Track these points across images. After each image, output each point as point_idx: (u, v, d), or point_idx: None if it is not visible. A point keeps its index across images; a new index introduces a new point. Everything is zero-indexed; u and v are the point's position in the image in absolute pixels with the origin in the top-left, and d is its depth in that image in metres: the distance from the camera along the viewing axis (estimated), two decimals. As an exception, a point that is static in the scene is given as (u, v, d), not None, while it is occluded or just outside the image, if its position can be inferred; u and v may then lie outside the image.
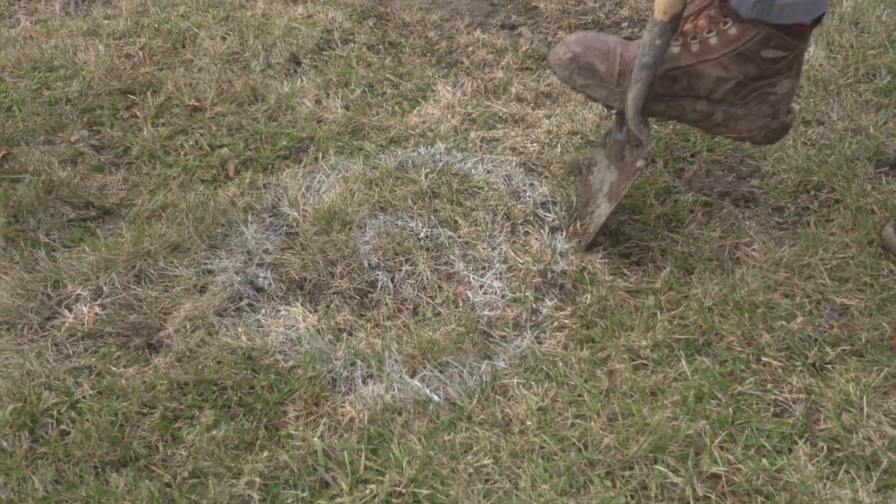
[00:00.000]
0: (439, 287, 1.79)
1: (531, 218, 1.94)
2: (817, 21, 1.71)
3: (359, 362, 1.62)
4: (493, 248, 1.87)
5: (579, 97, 2.35)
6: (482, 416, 1.52)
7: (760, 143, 1.87)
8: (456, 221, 1.93)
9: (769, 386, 1.56)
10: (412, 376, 1.60)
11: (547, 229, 1.91)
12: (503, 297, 1.77)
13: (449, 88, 2.41)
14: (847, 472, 1.41)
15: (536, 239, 1.88)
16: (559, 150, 2.14)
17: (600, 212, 1.84)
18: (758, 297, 1.71)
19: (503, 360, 1.64)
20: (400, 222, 1.93)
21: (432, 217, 1.94)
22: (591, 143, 2.16)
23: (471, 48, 2.63)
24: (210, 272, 1.83)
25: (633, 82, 1.73)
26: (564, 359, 1.62)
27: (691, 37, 1.78)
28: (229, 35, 2.72)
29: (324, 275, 1.80)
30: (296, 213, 1.96)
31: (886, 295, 1.72)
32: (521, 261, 1.83)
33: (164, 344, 1.67)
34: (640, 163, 1.76)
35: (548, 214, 1.95)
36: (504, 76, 2.48)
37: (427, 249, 1.87)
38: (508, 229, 1.92)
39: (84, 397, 1.56)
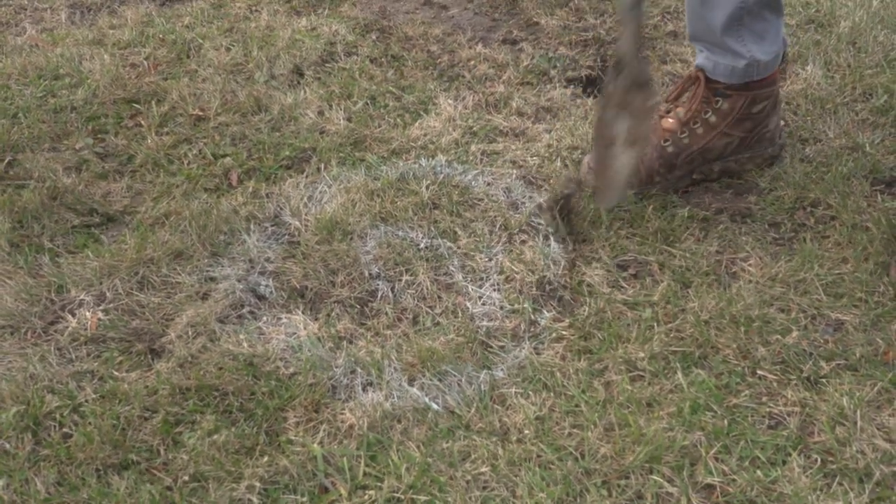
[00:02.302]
0: (439, 297, 1.81)
1: (526, 227, 1.96)
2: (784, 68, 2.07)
3: (359, 370, 1.64)
4: (491, 259, 1.89)
5: (579, 112, 2.38)
6: (480, 425, 1.54)
7: (766, 167, 2.15)
8: (456, 233, 1.95)
9: (764, 399, 1.57)
10: (411, 384, 1.62)
11: (541, 238, 1.92)
12: (502, 307, 1.79)
13: (450, 102, 2.43)
14: (840, 484, 1.42)
15: (531, 248, 1.89)
16: (559, 163, 2.16)
17: (622, 161, 1.86)
18: (754, 311, 1.73)
19: (501, 369, 1.65)
20: (400, 233, 1.95)
21: (432, 228, 1.96)
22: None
23: (472, 62, 2.66)
24: (212, 279, 1.84)
25: (626, 22, 1.78)
26: (562, 369, 1.64)
27: (693, 122, 2.07)
28: (233, 46, 2.74)
29: (325, 284, 1.82)
30: (298, 223, 1.98)
31: (881, 311, 1.73)
32: (517, 270, 1.84)
33: (167, 349, 1.69)
34: (655, 99, 1.86)
35: (542, 223, 1.97)
36: (505, 90, 2.50)
37: (427, 260, 1.89)
38: (506, 240, 1.93)
39: (86, 401, 1.58)
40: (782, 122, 2.17)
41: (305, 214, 2.00)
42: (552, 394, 1.59)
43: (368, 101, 2.47)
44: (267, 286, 1.83)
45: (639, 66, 1.81)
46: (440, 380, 1.62)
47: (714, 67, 2.02)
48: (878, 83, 2.46)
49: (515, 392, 1.60)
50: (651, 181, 2.07)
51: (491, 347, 1.70)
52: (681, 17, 2.95)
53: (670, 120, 2.10)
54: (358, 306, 1.79)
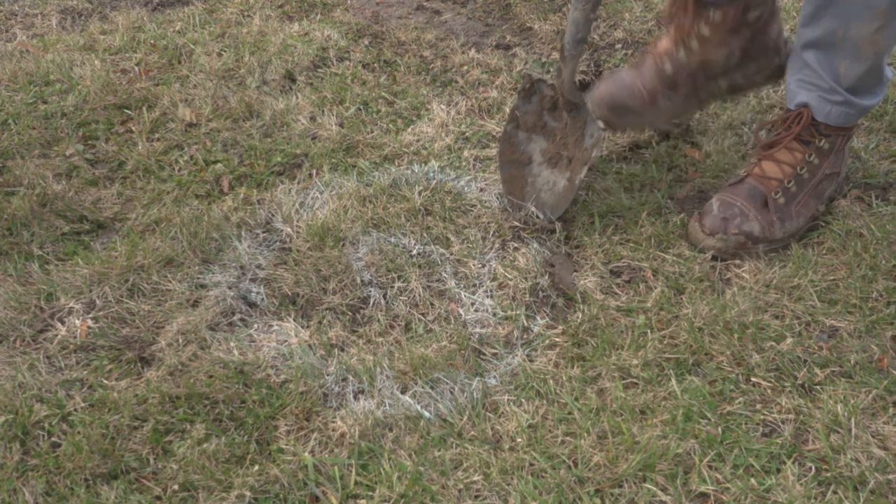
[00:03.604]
0: (431, 304, 1.80)
1: (520, 234, 1.95)
2: None
3: (350, 378, 1.63)
4: (484, 266, 1.88)
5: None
6: (473, 433, 1.53)
7: (777, 81, 2.08)
8: (448, 239, 1.94)
9: (758, 406, 1.57)
10: (403, 392, 1.61)
11: (535, 244, 1.92)
12: (494, 314, 1.78)
13: (443, 107, 2.43)
14: (835, 492, 1.41)
15: (524, 254, 1.88)
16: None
17: (544, 178, 1.92)
18: (748, 317, 1.72)
19: (494, 377, 1.64)
20: (393, 239, 1.94)
21: (425, 234, 1.95)
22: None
23: (465, 67, 2.65)
24: (203, 287, 1.83)
25: (568, 58, 1.85)
26: (555, 377, 1.63)
27: (687, 38, 1.96)
28: (225, 51, 2.74)
29: (316, 290, 1.81)
30: (289, 229, 1.97)
31: (875, 317, 1.73)
32: (510, 276, 1.83)
33: (157, 357, 1.68)
34: (599, 124, 1.92)
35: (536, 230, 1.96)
36: (498, 96, 2.50)
37: (419, 266, 1.88)
38: (499, 246, 1.93)
39: (76, 410, 1.57)
40: (785, 32, 2.07)
41: (297, 221, 1.99)
42: (545, 401, 1.58)
43: (361, 107, 2.46)
44: (258, 293, 1.82)
45: (575, 94, 1.91)
46: (432, 387, 1.61)
47: None
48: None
49: (508, 399, 1.59)
50: (654, 103, 2.01)
51: (484, 354, 1.69)
52: (674, 22, 2.94)
53: (664, 41, 2.03)
54: (350, 313, 1.78)
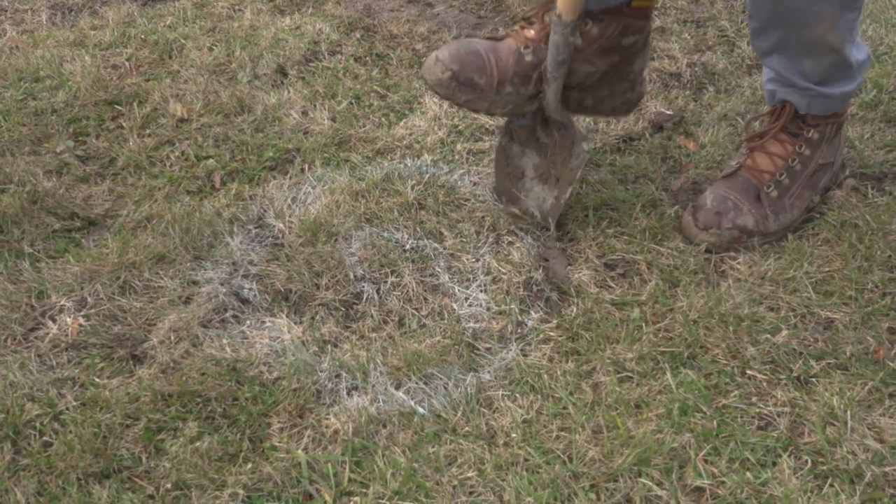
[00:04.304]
0: (425, 299, 1.79)
1: (515, 228, 1.94)
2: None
3: (344, 374, 1.62)
4: (478, 260, 1.87)
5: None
6: (467, 429, 1.52)
7: (621, 115, 2.11)
8: (442, 233, 1.93)
9: (754, 399, 1.56)
10: (397, 388, 1.60)
11: (530, 238, 1.91)
12: (488, 309, 1.77)
13: (436, 100, 2.41)
14: (831, 485, 1.41)
15: (519, 249, 1.88)
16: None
17: (536, 192, 1.93)
18: (743, 310, 1.71)
19: (488, 372, 1.64)
20: (386, 234, 1.93)
21: (418, 229, 1.94)
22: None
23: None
24: (195, 283, 1.82)
25: (551, 80, 1.85)
26: (550, 371, 1.62)
27: None
28: (216, 46, 2.72)
29: (309, 286, 1.80)
30: (281, 225, 1.96)
31: (871, 309, 1.72)
32: (503, 270, 1.83)
33: (149, 355, 1.67)
34: (583, 146, 1.90)
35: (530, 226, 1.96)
36: (491, 88, 2.48)
37: (412, 261, 1.87)
38: (493, 240, 1.92)
39: (67, 409, 1.55)
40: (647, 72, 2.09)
41: (289, 216, 1.98)
42: (539, 396, 1.57)
43: (353, 101, 2.45)
44: (250, 289, 1.81)
45: (561, 114, 1.90)
46: (426, 383, 1.60)
47: None
48: (867, 78, 2.45)
49: (502, 395, 1.58)
50: (501, 88, 1.89)
51: (477, 349, 1.69)
52: (668, 12, 2.94)
53: (532, 30, 1.94)
54: (343, 309, 1.77)
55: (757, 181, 1.94)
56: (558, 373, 1.61)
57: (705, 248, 1.88)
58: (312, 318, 1.74)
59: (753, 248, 1.89)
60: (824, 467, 1.43)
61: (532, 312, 1.76)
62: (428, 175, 2.09)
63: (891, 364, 1.61)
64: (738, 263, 1.84)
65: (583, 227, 1.95)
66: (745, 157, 1.99)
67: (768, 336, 1.67)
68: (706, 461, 1.45)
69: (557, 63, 1.84)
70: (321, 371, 1.62)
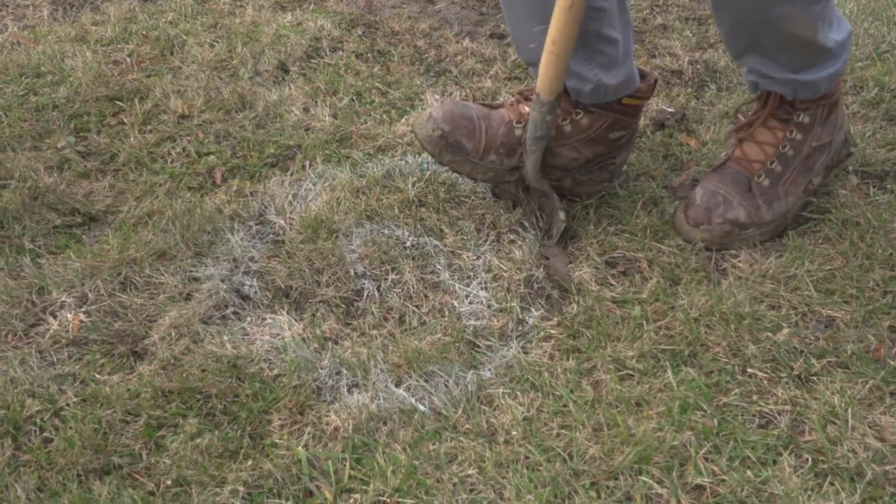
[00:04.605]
0: (425, 296, 1.79)
1: (517, 227, 1.94)
2: (646, 99, 2.02)
3: (344, 371, 1.62)
4: (478, 257, 1.87)
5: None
6: (467, 426, 1.52)
7: (594, 197, 2.06)
8: (442, 230, 1.93)
9: (754, 397, 1.56)
10: (398, 385, 1.60)
11: (531, 236, 1.91)
12: (489, 306, 1.77)
13: (437, 97, 2.41)
14: (832, 484, 1.40)
15: (520, 247, 1.87)
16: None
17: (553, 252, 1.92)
18: (744, 308, 1.71)
19: (489, 369, 1.64)
20: (386, 231, 1.93)
21: (419, 226, 1.94)
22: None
23: (459, 57, 2.64)
24: (196, 280, 1.82)
25: (529, 153, 1.91)
26: (550, 369, 1.62)
27: None
28: (217, 42, 2.72)
29: (310, 283, 1.80)
30: (282, 221, 1.96)
31: (872, 307, 1.72)
32: (504, 268, 1.83)
33: (149, 352, 1.67)
34: (561, 215, 1.92)
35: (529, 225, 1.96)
36: (492, 85, 2.49)
37: (413, 258, 1.87)
38: (493, 238, 1.92)
39: (68, 405, 1.56)
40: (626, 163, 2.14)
41: (290, 213, 1.98)
42: (540, 394, 1.57)
43: (354, 97, 2.45)
44: (251, 286, 1.81)
45: (540, 183, 1.94)
46: (427, 380, 1.60)
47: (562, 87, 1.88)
48: (868, 76, 2.45)
49: (503, 392, 1.58)
50: (486, 156, 1.94)
51: (478, 347, 1.69)
52: (670, 9, 2.94)
53: (528, 106, 1.99)
54: (343, 306, 1.77)
55: (747, 171, 1.92)
56: (559, 370, 1.61)
57: (702, 245, 1.87)
58: (313, 315, 1.74)
59: (751, 242, 1.88)
60: (825, 466, 1.43)
61: (533, 310, 1.76)
62: (429, 172, 2.09)
63: (892, 362, 1.61)
64: (739, 261, 1.84)
65: (584, 225, 1.95)
66: (734, 147, 1.97)
67: (769, 334, 1.66)
68: (707, 459, 1.45)
69: (535, 138, 1.89)
70: (322, 368, 1.62)
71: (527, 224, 1.95)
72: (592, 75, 1.92)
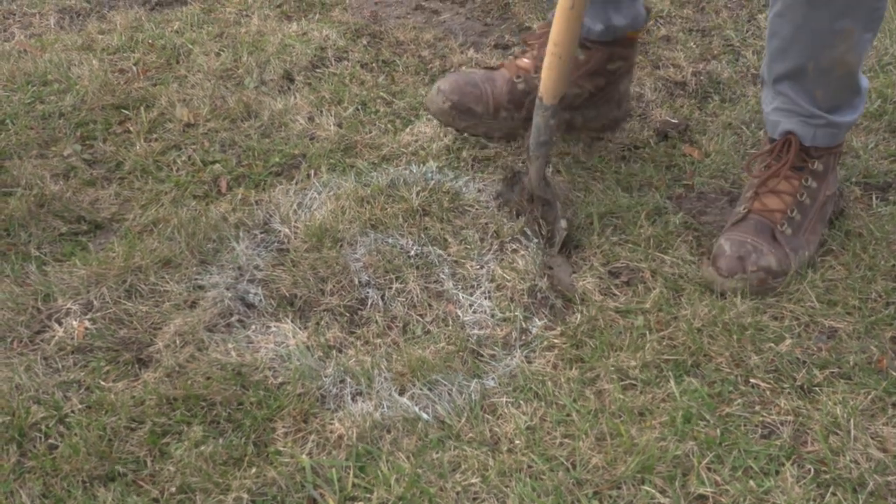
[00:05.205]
0: (429, 305, 1.80)
1: (519, 236, 1.95)
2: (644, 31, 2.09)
3: (348, 379, 1.63)
4: (482, 267, 1.88)
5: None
6: (471, 435, 1.52)
7: (610, 132, 2.26)
8: (446, 240, 1.94)
9: (757, 407, 1.56)
10: (401, 394, 1.60)
11: (534, 246, 1.91)
12: (493, 315, 1.77)
13: (442, 107, 2.42)
14: (834, 494, 1.41)
15: (523, 255, 1.88)
16: (550, 169, 2.15)
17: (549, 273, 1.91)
18: (747, 318, 1.72)
19: (492, 378, 1.64)
20: (390, 240, 1.94)
21: (422, 235, 1.95)
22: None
23: (464, 67, 2.65)
24: (201, 288, 1.83)
25: (533, 159, 1.93)
26: (554, 378, 1.63)
27: None
28: (223, 51, 2.73)
29: (314, 292, 1.81)
30: (287, 230, 1.97)
31: (874, 318, 1.73)
32: (508, 277, 1.83)
33: (154, 359, 1.67)
34: (562, 223, 1.93)
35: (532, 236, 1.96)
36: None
37: (417, 267, 1.87)
38: (497, 247, 1.92)
39: (73, 411, 1.56)
40: (632, 88, 2.31)
41: (295, 221, 1.99)
42: (543, 403, 1.58)
43: (359, 107, 2.46)
44: (256, 294, 1.81)
45: (543, 189, 1.95)
46: (430, 389, 1.61)
47: None
48: (871, 88, 2.45)
49: (506, 401, 1.59)
50: (497, 114, 2.16)
51: (482, 356, 1.69)
52: (674, 21, 2.95)
53: (526, 59, 2.17)
54: (347, 314, 1.78)
55: (769, 221, 1.88)
56: (562, 380, 1.62)
57: (736, 296, 1.80)
58: (317, 324, 1.75)
59: (777, 291, 1.83)
60: (827, 476, 1.44)
61: (536, 320, 1.77)
62: (433, 181, 2.10)
63: (894, 373, 1.61)
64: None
65: (587, 235, 1.95)
66: (752, 199, 1.93)
67: (772, 345, 1.67)
68: (709, 469, 1.45)
69: (538, 144, 1.92)
70: (326, 376, 1.63)
71: (529, 233, 1.95)
72: (604, 17, 2.09)
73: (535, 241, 1.93)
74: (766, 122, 1.97)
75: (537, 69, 2.07)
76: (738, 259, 1.81)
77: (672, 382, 1.60)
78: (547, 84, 1.85)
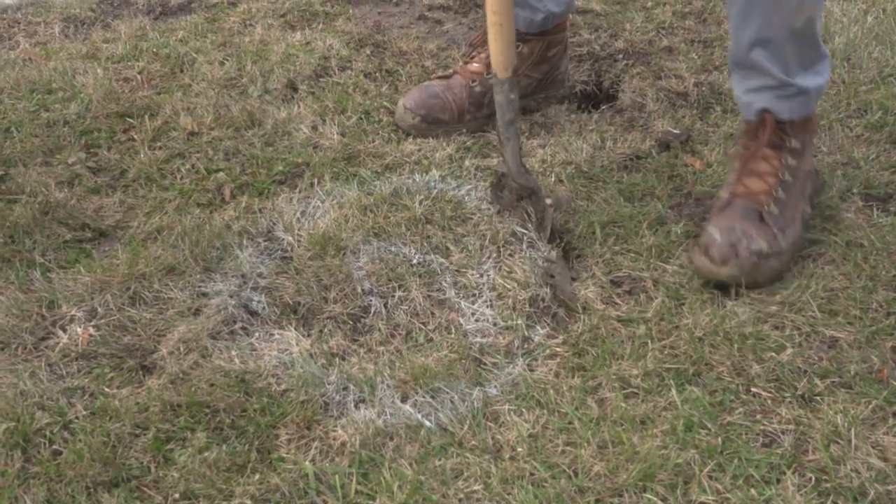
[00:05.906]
0: (432, 313, 1.80)
1: (512, 239, 1.95)
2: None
3: (351, 387, 1.63)
4: (483, 275, 1.88)
5: (574, 127, 2.38)
6: (473, 442, 1.53)
7: (558, 104, 2.51)
8: (448, 248, 1.94)
9: (758, 416, 1.57)
10: (404, 401, 1.61)
11: (536, 255, 1.92)
12: (495, 324, 1.78)
13: (444, 117, 2.43)
14: (835, 503, 1.41)
15: (525, 265, 1.88)
16: (553, 178, 2.16)
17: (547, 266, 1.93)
18: (748, 328, 1.72)
19: (495, 386, 1.65)
20: (393, 248, 1.94)
21: (425, 243, 1.95)
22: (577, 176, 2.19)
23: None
24: (204, 295, 1.84)
25: (505, 140, 1.95)
26: (556, 386, 1.63)
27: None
28: (227, 60, 2.74)
29: (317, 299, 1.81)
30: (290, 238, 1.97)
31: (875, 328, 1.73)
32: (509, 286, 1.84)
33: (158, 366, 1.68)
34: (546, 201, 1.96)
35: (526, 232, 1.97)
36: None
37: (420, 276, 1.88)
38: (498, 256, 1.93)
39: (77, 418, 1.57)
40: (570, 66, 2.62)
41: (298, 230, 2.00)
42: (545, 411, 1.58)
43: (362, 116, 2.47)
44: (259, 302, 1.82)
45: (524, 177, 1.97)
46: (433, 397, 1.61)
47: (514, 18, 1.97)
48: (872, 99, 2.46)
49: (509, 409, 1.59)
50: (462, 118, 2.37)
51: (484, 364, 1.70)
52: (675, 32, 2.96)
53: (476, 64, 2.41)
54: (351, 322, 1.78)
55: (755, 203, 1.89)
56: (564, 388, 1.62)
57: (730, 282, 1.82)
58: (320, 331, 1.76)
59: (775, 274, 1.85)
60: (828, 485, 1.44)
61: (538, 328, 1.77)
62: (436, 190, 2.11)
63: (894, 383, 1.61)
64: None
65: (589, 244, 1.96)
66: (735, 183, 1.94)
67: (773, 354, 1.67)
68: (710, 477, 1.45)
69: (506, 123, 1.94)
70: (329, 383, 1.64)
71: (519, 232, 1.95)
72: (542, 6, 2.34)
73: (529, 245, 1.94)
74: (741, 106, 2.01)
75: (488, 71, 2.28)
76: (730, 246, 1.81)
77: (674, 391, 1.60)
78: (497, 58, 1.89)
